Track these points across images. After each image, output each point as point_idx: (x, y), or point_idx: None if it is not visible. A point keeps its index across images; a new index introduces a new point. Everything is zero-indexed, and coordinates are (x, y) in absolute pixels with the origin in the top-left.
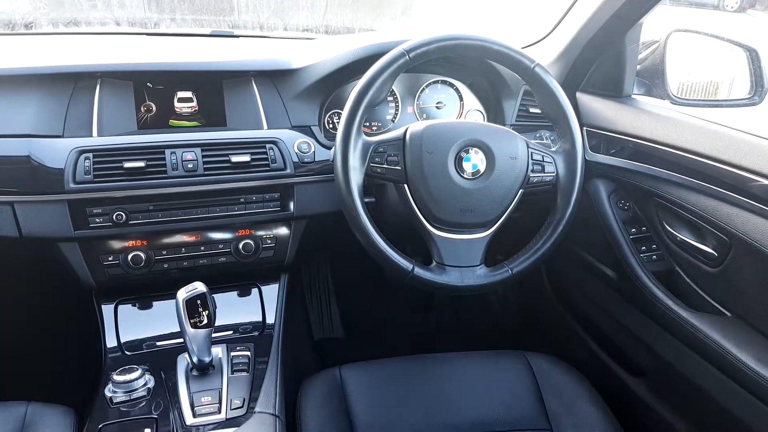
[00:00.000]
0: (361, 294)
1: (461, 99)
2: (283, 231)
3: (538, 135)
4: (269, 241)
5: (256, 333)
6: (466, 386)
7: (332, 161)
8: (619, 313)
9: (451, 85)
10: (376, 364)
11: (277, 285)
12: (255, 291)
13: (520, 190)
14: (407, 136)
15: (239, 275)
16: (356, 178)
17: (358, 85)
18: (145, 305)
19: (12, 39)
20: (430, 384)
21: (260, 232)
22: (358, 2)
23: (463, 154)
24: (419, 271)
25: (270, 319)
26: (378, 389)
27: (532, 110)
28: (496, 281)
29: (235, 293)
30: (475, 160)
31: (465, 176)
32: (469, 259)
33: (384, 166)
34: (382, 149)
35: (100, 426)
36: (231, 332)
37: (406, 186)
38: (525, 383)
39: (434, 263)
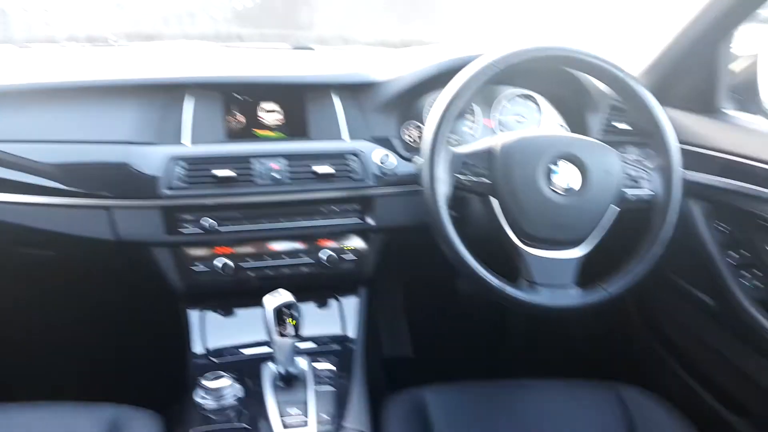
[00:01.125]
0: (432, 313)
1: (541, 112)
2: (363, 243)
3: (623, 151)
4: (350, 253)
5: (336, 346)
6: (553, 416)
7: (418, 172)
8: (718, 343)
9: (531, 98)
10: (459, 388)
11: (355, 298)
12: (334, 303)
13: (616, 208)
14: (497, 147)
15: (319, 286)
16: (443, 190)
17: (445, 96)
18: (230, 312)
19: (100, 51)
20: (515, 412)
21: (342, 244)
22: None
23: (553, 167)
24: (509, 290)
25: (350, 333)
26: (461, 414)
27: (617, 125)
28: (591, 302)
29: (314, 304)
30: (567, 173)
31: (556, 190)
32: (560, 279)
33: (472, 178)
34: (470, 161)
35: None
36: (311, 344)
37: (494, 199)
38: (617, 417)
39: (523, 281)
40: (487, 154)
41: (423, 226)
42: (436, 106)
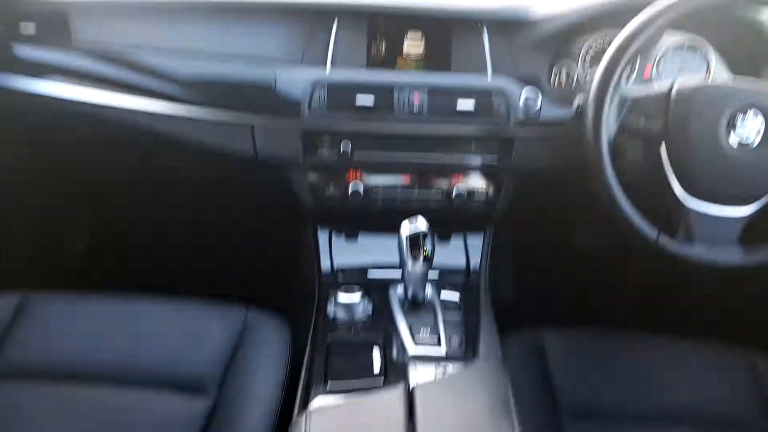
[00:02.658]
0: (541, 262)
1: (708, 66)
2: (496, 183)
3: None
4: (481, 192)
5: (461, 279)
6: (673, 373)
7: (579, 111)
8: None
9: (698, 50)
10: (577, 333)
11: (482, 236)
12: (460, 239)
13: None
14: (673, 93)
15: (447, 221)
16: (608, 132)
17: (623, 33)
18: (356, 237)
19: None
20: (636, 363)
21: (474, 182)
22: None
23: (738, 120)
24: (664, 240)
25: (476, 268)
26: (579, 358)
27: None
28: (752, 263)
29: (441, 238)
30: (752, 126)
31: (736, 143)
32: (723, 235)
33: (642, 122)
34: (641, 104)
35: (328, 342)
36: (438, 274)
37: (663, 146)
38: (746, 385)
39: (681, 234)
40: (663, 98)
41: (561, 171)
42: (614, 42)
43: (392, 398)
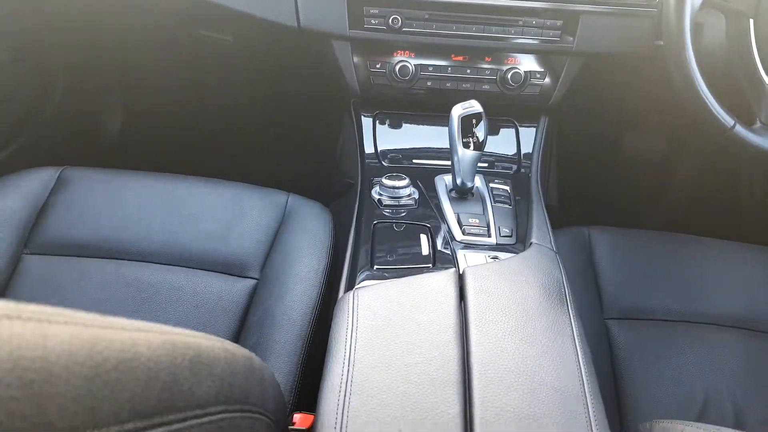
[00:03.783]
0: (588, 159)
1: None
2: (555, 66)
3: None
4: (538, 76)
5: (511, 171)
6: (727, 277)
7: None
8: None
9: None
10: (625, 232)
11: (534, 127)
12: (512, 129)
13: None
14: None
15: (498, 109)
16: (692, 4)
17: None
18: (401, 122)
19: None
20: (685, 265)
21: (530, 64)
22: None
23: None
24: (740, 130)
25: (526, 159)
26: (627, 257)
27: None
28: None
29: (493, 127)
30: None
31: None
32: None
33: None
34: None
35: (375, 223)
36: (486, 165)
37: (751, 21)
38: None
39: (759, 124)
40: None
41: (628, 56)
42: None
43: (443, 279)
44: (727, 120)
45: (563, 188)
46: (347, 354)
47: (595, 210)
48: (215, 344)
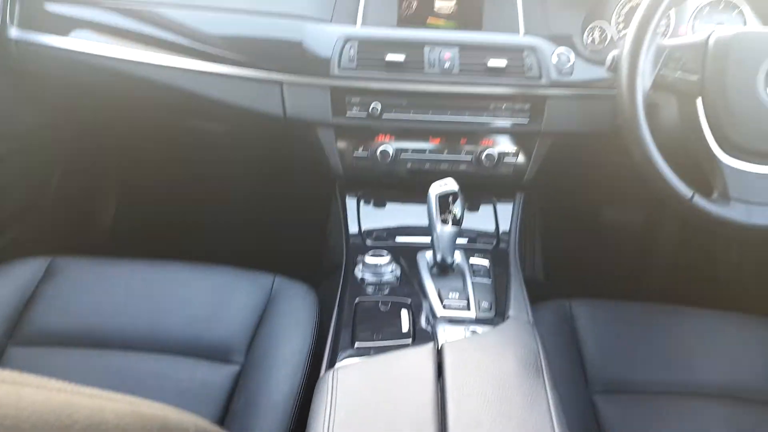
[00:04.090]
0: (569, 238)
1: (746, 24)
2: (526, 146)
3: None
4: (511, 155)
5: (490, 246)
6: (712, 347)
7: (613, 65)
8: None
9: (735, 7)
10: (608, 304)
11: (511, 203)
12: (489, 205)
13: None
14: (711, 42)
15: (475, 187)
16: (643, 85)
17: None
18: (385, 202)
19: None
20: (668, 336)
21: (503, 145)
22: None
23: None
24: (699, 201)
25: (505, 234)
26: (610, 330)
27: None
28: None
29: (469, 204)
30: None
31: None
32: (761, 195)
33: (678, 73)
34: (678, 54)
35: (357, 301)
36: (467, 241)
37: (699, 100)
38: None
39: (716, 194)
40: (700, 49)
41: (594, 135)
42: None
43: (421, 355)
44: (686, 192)
45: (549, 263)
46: None
47: (581, 283)
48: (185, 418)
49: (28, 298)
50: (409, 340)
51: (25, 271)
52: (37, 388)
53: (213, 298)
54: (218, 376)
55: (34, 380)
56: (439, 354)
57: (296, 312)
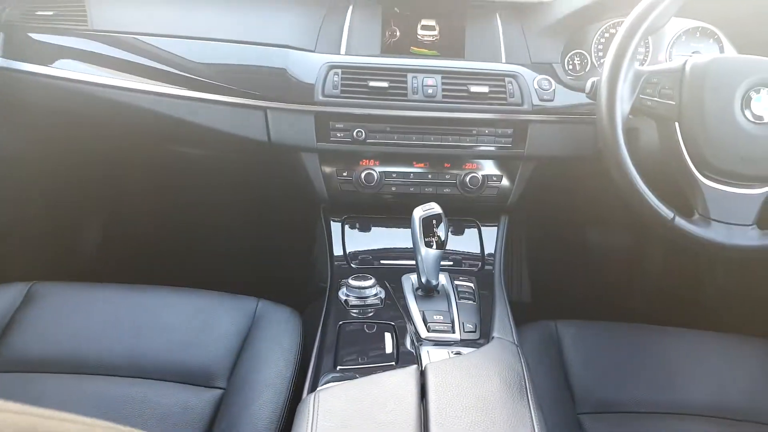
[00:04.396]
0: (555, 261)
1: (722, 51)
2: (510, 170)
3: None
4: (495, 179)
5: (475, 268)
6: (697, 366)
7: (593, 91)
8: None
9: (712, 35)
10: (594, 324)
11: (496, 227)
12: (474, 229)
13: None
14: (687, 68)
15: (460, 210)
16: (622, 110)
17: (639, 7)
18: (369, 225)
19: None
20: (654, 356)
21: (487, 169)
22: None
23: (754, 95)
24: (680, 222)
25: (490, 257)
26: (596, 350)
27: None
28: None
29: (454, 228)
30: None
31: (753, 120)
32: (740, 216)
33: (656, 99)
34: (655, 80)
35: (340, 323)
36: (452, 263)
37: (677, 124)
38: None
39: (696, 216)
40: (677, 74)
41: (576, 159)
42: (629, 17)
43: (404, 376)
44: (667, 213)
45: (536, 286)
46: None
47: (568, 306)
48: None
49: (6, 324)
50: (393, 363)
51: (4, 297)
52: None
53: (195, 322)
54: (200, 400)
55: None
56: (422, 375)
57: (280, 336)
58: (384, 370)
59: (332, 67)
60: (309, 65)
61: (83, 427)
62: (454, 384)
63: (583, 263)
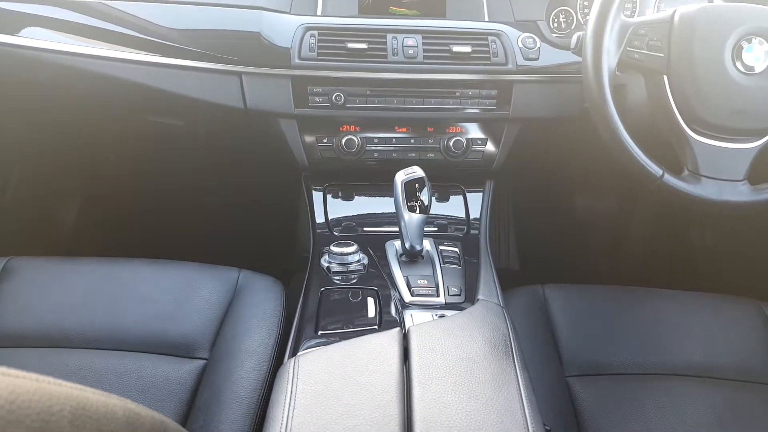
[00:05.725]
0: (543, 226)
1: (711, 1)
2: (494, 133)
3: None
4: (479, 142)
5: (460, 233)
6: (685, 327)
7: (579, 44)
8: None
9: None
10: (581, 288)
11: (481, 192)
12: (459, 194)
13: None
14: (676, 17)
15: (445, 176)
16: (609, 63)
17: None
18: (351, 193)
19: None
20: (642, 318)
21: (471, 132)
22: None
23: (745, 44)
24: (669, 179)
25: (475, 221)
26: (584, 313)
27: None
28: (761, 199)
29: (439, 193)
30: (761, 53)
31: (744, 71)
32: (730, 172)
33: (643, 51)
34: (643, 32)
35: (322, 290)
36: (437, 229)
37: (666, 77)
38: (762, 335)
39: (686, 172)
40: (665, 25)
41: (562, 120)
42: None
43: (386, 339)
44: (656, 170)
45: (523, 252)
46: (284, 421)
47: (556, 270)
48: (111, 401)
49: None
50: (376, 327)
51: None
52: None
53: (176, 293)
54: (182, 371)
55: None
56: (405, 337)
57: (262, 305)
58: (367, 334)
59: (308, 28)
60: (284, 27)
61: (53, 386)
62: (437, 345)
63: (571, 228)
